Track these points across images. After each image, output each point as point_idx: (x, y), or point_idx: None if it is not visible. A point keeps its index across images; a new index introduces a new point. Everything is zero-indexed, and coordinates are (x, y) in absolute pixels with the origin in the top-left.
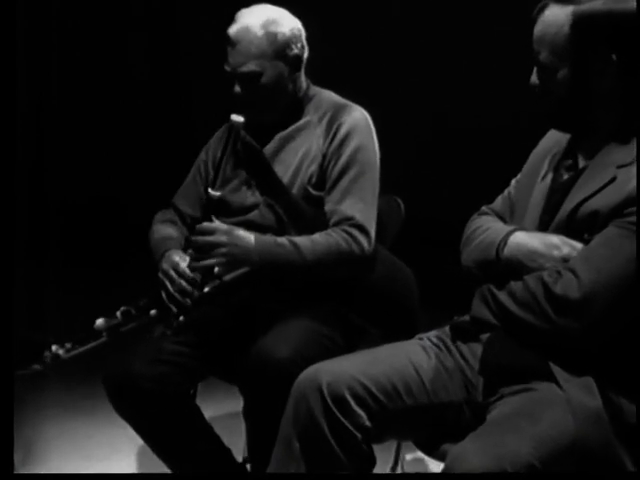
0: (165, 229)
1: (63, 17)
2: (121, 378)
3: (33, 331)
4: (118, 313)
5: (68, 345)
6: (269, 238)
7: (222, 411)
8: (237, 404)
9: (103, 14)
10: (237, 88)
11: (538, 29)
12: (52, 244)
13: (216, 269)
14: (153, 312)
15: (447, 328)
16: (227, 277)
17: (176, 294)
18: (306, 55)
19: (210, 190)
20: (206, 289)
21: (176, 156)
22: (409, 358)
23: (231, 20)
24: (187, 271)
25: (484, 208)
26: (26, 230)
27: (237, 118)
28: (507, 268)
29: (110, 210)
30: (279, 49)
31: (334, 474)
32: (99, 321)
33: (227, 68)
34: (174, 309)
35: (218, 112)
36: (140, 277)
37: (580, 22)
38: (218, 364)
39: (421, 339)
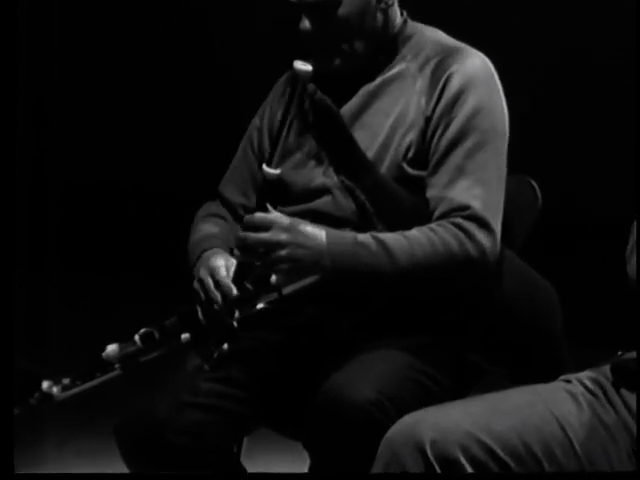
0: (205, 226)
1: None
2: (140, 428)
3: (30, 360)
4: (137, 337)
5: (66, 381)
6: (346, 235)
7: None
8: (299, 464)
9: None
10: (305, 24)
11: None
12: (52, 245)
13: (273, 278)
14: (185, 337)
15: (607, 368)
16: (288, 290)
17: (217, 312)
18: None
19: (265, 167)
20: (259, 306)
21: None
22: (550, 409)
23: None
24: (227, 282)
25: None
26: (26, 227)
27: (303, 66)
28: None
29: (126, 205)
30: None
31: (334, 474)
32: (110, 348)
33: None
34: (213, 334)
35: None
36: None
37: None
38: (273, 410)
39: (568, 382)
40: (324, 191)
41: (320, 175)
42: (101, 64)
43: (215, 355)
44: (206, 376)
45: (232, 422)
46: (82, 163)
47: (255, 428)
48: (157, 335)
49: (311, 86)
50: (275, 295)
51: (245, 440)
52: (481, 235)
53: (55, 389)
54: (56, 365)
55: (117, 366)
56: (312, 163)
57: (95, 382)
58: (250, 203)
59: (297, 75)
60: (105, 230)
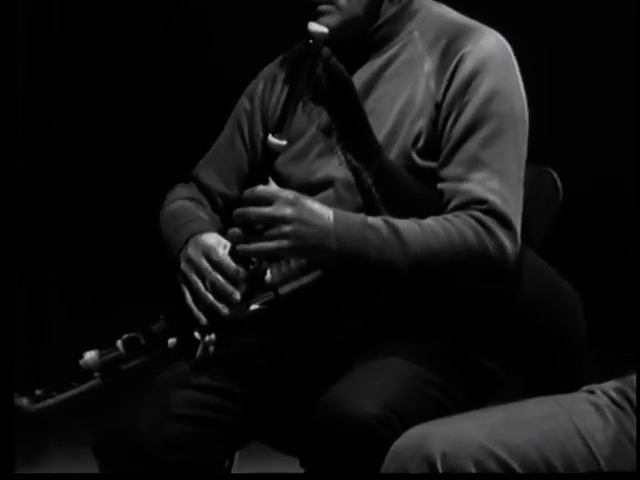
0: (186, 205)
1: None
2: (120, 445)
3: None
4: (119, 343)
5: (38, 392)
6: (356, 216)
7: None
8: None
9: None
10: None
11: None
12: (52, 245)
13: (268, 275)
14: (172, 342)
15: (633, 378)
16: (285, 289)
17: (210, 296)
18: None
19: (272, 137)
20: (252, 307)
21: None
22: (573, 421)
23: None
24: (228, 261)
25: None
26: (26, 228)
27: (319, 28)
28: None
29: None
30: None
31: (334, 474)
32: (89, 355)
33: None
34: (203, 319)
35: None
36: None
37: None
38: (267, 423)
39: (592, 393)
40: (326, 184)
41: (321, 168)
42: (102, 64)
43: (199, 352)
44: (192, 385)
45: (222, 435)
46: (83, 163)
47: (247, 442)
48: (142, 340)
49: (326, 49)
50: (270, 295)
51: (237, 455)
52: (501, 232)
53: (25, 401)
54: (56, 365)
55: (97, 375)
56: (313, 154)
57: (72, 393)
58: (231, 193)
59: (312, 37)
60: (105, 230)
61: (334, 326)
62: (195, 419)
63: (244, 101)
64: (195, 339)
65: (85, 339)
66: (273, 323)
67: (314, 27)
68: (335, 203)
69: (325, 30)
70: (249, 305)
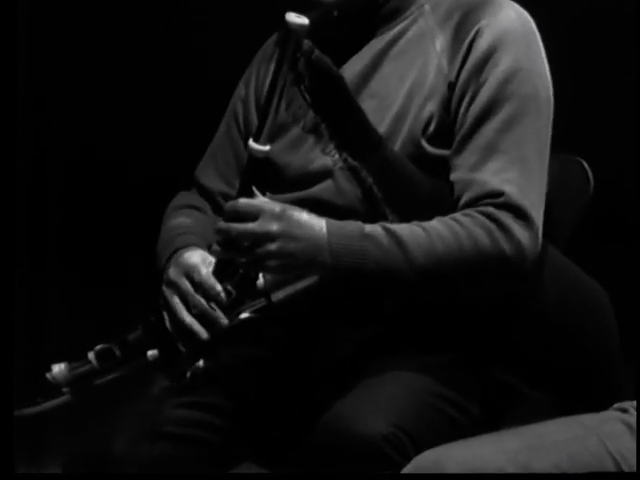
0: (177, 220)
1: None
2: (96, 466)
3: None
4: (91, 355)
5: None
6: (351, 226)
7: None
8: None
9: None
10: None
11: None
12: (52, 245)
13: (260, 280)
14: (151, 354)
15: None
16: (278, 295)
17: (191, 322)
18: None
19: (252, 142)
20: (243, 315)
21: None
22: (604, 444)
23: None
24: (211, 281)
25: None
26: (26, 228)
27: (298, 19)
28: None
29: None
30: None
31: (334, 474)
32: (57, 368)
33: None
34: (186, 348)
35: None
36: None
37: None
38: (260, 443)
39: (624, 411)
40: (324, 174)
41: (320, 155)
42: (102, 64)
43: (188, 375)
44: (177, 401)
45: (209, 456)
46: (83, 163)
47: (238, 463)
48: (117, 352)
49: (307, 43)
50: (263, 302)
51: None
52: (518, 228)
53: None
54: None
55: (66, 390)
56: (310, 141)
57: (36, 410)
58: (233, 191)
59: (290, 30)
60: (106, 230)
61: (333, 335)
62: (177, 438)
63: (240, 88)
64: (179, 350)
65: (85, 339)
66: (265, 332)
67: (293, 18)
68: (335, 195)
69: (305, 21)
70: (239, 313)
